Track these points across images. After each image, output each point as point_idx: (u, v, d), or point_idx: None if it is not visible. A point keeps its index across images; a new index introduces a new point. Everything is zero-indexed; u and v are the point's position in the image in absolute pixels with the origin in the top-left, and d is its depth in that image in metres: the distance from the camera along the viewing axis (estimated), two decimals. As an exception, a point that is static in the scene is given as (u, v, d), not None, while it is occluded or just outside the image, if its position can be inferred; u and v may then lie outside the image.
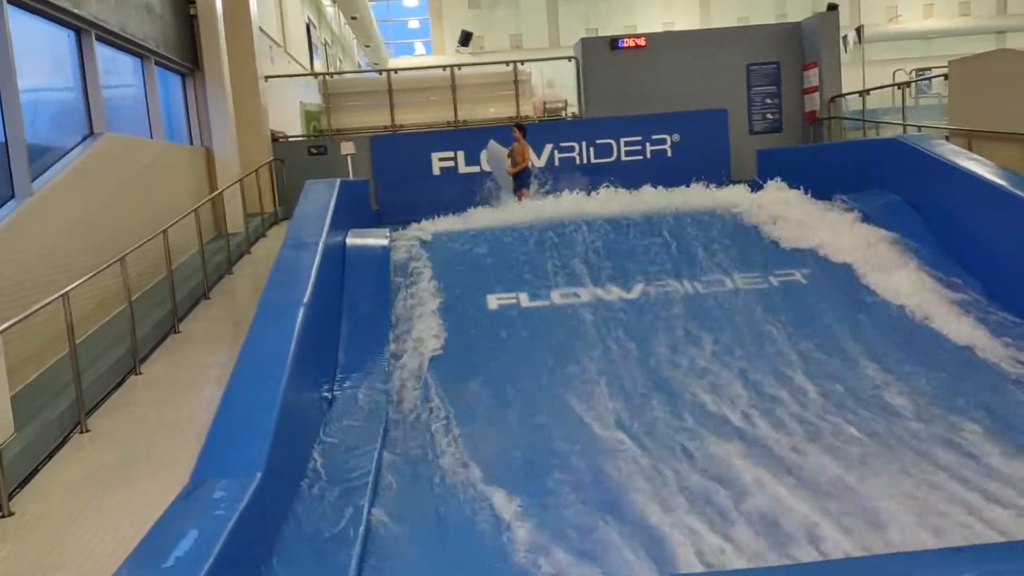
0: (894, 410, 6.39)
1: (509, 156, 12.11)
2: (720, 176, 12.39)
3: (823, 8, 17.28)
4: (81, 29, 9.46)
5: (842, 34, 17.16)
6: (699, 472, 5.58)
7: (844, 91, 15.93)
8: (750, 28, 17.93)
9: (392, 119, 16.74)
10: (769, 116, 16.56)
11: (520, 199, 11.77)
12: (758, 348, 7.40)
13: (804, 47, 16.38)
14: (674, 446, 5.95)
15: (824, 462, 5.63)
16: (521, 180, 12.06)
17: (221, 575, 3.54)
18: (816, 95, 16.04)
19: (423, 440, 6.06)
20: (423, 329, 7.52)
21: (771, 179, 10.55)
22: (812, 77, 16.15)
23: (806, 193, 9.91)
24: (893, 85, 14.66)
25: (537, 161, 13.56)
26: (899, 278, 8.21)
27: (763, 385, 6.83)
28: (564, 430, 6.20)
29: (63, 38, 9.26)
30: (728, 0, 38.07)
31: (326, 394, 6.55)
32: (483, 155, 12.42)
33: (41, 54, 8.86)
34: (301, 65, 22.41)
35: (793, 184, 10.15)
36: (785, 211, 9.41)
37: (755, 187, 10.64)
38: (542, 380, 6.90)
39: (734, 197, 9.92)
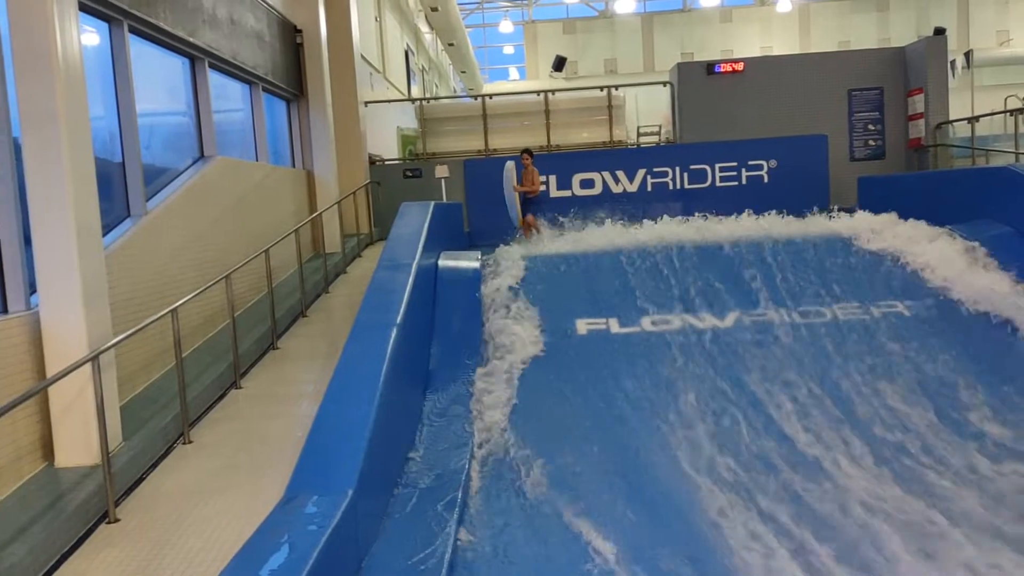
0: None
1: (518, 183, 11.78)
2: (819, 203, 12.07)
3: (928, 32, 16.74)
4: (195, 57, 9.95)
5: (950, 59, 16.57)
6: (799, 518, 5.40)
7: (951, 118, 15.35)
8: (852, 53, 17.47)
9: (486, 143, 16.97)
10: (871, 143, 16.09)
11: (528, 232, 11.40)
12: (855, 382, 7.15)
13: (909, 72, 15.87)
14: (769, 486, 5.78)
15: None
16: (530, 207, 11.77)
17: (313, 589, 3.61)
18: (921, 122, 15.50)
19: (510, 463, 6.05)
20: (511, 352, 7.54)
21: (873, 207, 10.23)
22: (917, 103, 15.62)
23: (908, 221, 9.57)
24: (1005, 112, 14.04)
25: (629, 186, 13.49)
26: (1009, 311, 7.83)
27: (859, 423, 6.59)
28: (652, 461, 6.11)
29: (178, 65, 9.76)
30: (828, 24, 37.23)
31: (417, 413, 6.64)
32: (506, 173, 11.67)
33: (158, 80, 9.35)
34: (399, 90, 22.98)
35: (897, 212, 9.81)
36: (888, 239, 9.10)
37: (848, 214, 10.33)
38: (630, 408, 6.82)
39: (834, 224, 9.67)
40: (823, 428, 6.53)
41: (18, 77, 5.81)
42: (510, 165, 11.64)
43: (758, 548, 5.02)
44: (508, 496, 5.60)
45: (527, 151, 11.95)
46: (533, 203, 11.86)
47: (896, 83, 15.99)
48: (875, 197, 11.52)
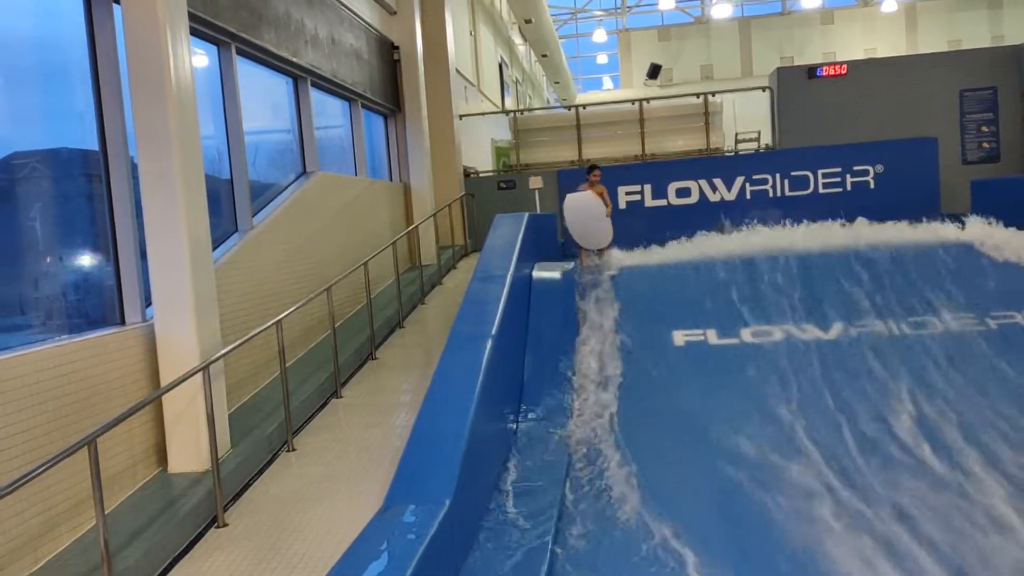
0: None
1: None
2: (929, 209, 11.57)
3: (1048, 27, 15.86)
4: (298, 76, 10.28)
5: (1072, 54, 15.68)
6: (906, 537, 5.17)
7: (1074, 116, 14.51)
8: (963, 52, 16.76)
9: (580, 153, 16.95)
10: (985, 145, 15.35)
11: (600, 255, 9.58)
12: (969, 399, 6.78)
13: (1026, 70, 15.11)
14: (881, 509, 5.54)
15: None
16: None
17: (412, 599, 3.65)
18: (1041, 121, 14.72)
19: (606, 478, 5.98)
20: (607, 364, 7.48)
21: (988, 212, 9.73)
22: (1036, 102, 14.84)
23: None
24: None
25: (727, 195, 13.23)
26: None
27: (980, 442, 6.24)
28: (753, 480, 5.93)
29: (282, 84, 10.10)
30: (937, 22, 35.71)
31: (511, 425, 6.66)
32: (569, 207, 9.72)
33: (263, 99, 9.71)
34: (493, 103, 23.20)
35: (1014, 218, 9.30)
36: (1005, 246, 8.63)
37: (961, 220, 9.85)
38: (730, 423, 6.64)
39: (946, 231, 9.24)
40: (936, 447, 6.22)
41: (134, 100, 6.12)
42: (573, 201, 9.75)
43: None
44: (604, 513, 5.53)
45: (595, 166, 10.03)
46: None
47: (1011, 82, 15.27)
48: (990, 201, 10.96)
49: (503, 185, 16.25)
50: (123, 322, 6.27)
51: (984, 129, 15.37)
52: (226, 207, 8.15)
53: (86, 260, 6.25)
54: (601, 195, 9.79)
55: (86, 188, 6.29)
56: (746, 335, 7.84)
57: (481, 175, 17.23)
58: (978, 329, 7.62)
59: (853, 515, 5.44)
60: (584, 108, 18.01)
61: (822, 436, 6.39)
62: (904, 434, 6.35)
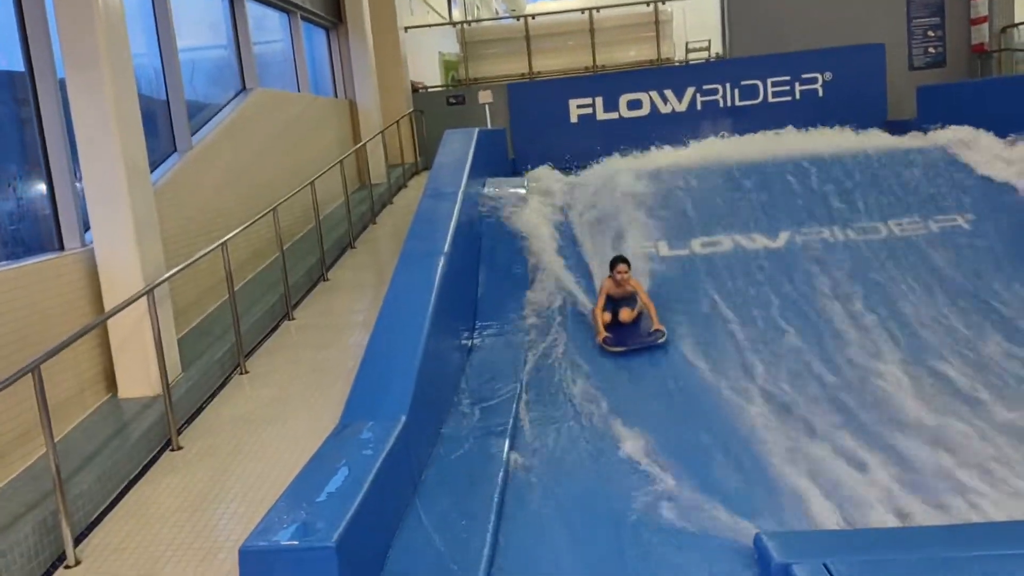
0: None
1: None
2: (876, 116, 11.65)
3: (995, -71, 15.76)
4: (233, -13, 9.85)
5: (1018, -44, 15.67)
6: (841, 430, 5.37)
7: (1017, 20, 14.57)
8: (911, -45, 16.64)
9: (529, 66, 16.66)
10: (931, 50, 15.41)
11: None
12: (908, 300, 6.98)
13: (974, -27, 15.08)
14: (817, 405, 5.73)
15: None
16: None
17: (369, 512, 3.69)
18: (985, 26, 14.76)
19: (560, 387, 6.07)
20: (560, 278, 7.50)
21: (934, 117, 9.83)
22: (980, 6, 14.85)
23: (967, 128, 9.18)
24: (1077, 11, 13.30)
25: (678, 106, 13.13)
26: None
27: (911, 341, 6.47)
28: (699, 380, 6.09)
29: (216, -3, 9.68)
30: (887, -75, 35.34)
31: (466, 341, 6.68)
32: None
33: (197, 14, 9.29)
34: (440, 14, 22.55)
35: (958, 123, 9.41)
36: (949, 149, 8.77)
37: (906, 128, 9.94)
38: (679, 332, 6.75)
39: (891, 138, 9.34)
40: (877, 350, 6.41)
41: (59, 18, 5.80)
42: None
43: (803, 460, 5.00)
44: (561, 420, 5.62)
45: (622, 259, 6.92)
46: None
47: (959, -15, 15.25)
48: (936, 107, 11.06)
49: (452, 100, 15.93)
50: (61, 248, 6.09)
51: (930, 34, 15.40)
52: (163, 127, 7.88)
53: (18, 185, 6.01)
54: (634, 292, 6.89)
55: (15, 111, 6.00)
56: (696, 246, 7.90)
57: (430, 90, 16.87)
58: (920, 232, 7.80)
59: (790, 411, 5.63)
60: (534, 18, 17.63)
61: (764, 339, 6.60)
62: (841, 334, 6.57)
